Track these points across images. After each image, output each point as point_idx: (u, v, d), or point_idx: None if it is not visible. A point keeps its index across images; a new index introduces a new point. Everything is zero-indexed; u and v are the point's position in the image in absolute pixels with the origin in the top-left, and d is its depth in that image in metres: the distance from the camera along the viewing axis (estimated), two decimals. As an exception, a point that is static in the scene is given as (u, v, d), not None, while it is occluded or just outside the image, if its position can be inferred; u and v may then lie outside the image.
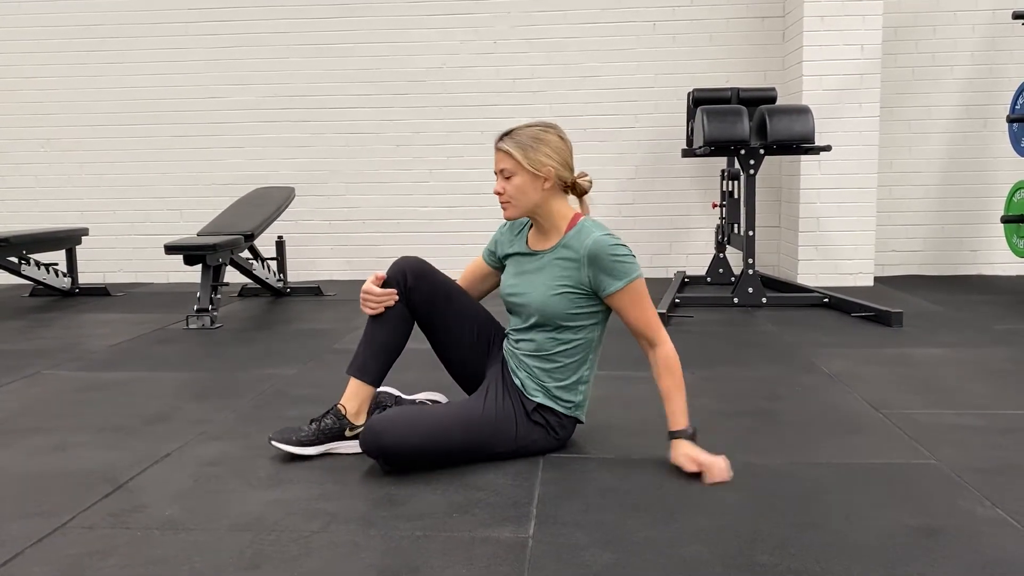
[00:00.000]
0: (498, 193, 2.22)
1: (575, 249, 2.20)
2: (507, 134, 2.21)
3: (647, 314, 2.20)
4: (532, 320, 2.26)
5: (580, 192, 2.29)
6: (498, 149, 2.21)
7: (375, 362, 2.33)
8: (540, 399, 2.25)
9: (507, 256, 2.39)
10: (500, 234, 2.43)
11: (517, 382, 2.27)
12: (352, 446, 2.31)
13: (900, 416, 2.62)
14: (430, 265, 2.37)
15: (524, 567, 1.65)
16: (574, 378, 2.27)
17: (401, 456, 2.12)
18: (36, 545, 1.79)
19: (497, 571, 1.64)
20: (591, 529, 1.82)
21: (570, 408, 2.28)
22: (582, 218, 2.25)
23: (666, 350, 2.20)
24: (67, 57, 6.20)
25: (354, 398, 2.32)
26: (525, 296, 2.26)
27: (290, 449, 2.27)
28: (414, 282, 2.32)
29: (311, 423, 2.32)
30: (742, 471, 2.16)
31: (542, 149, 2.18)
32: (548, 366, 2.25)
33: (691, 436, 2.17)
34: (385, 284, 2.32)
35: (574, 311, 2.22)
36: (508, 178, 2.20)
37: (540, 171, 2.18)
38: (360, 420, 2.32)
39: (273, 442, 2.27)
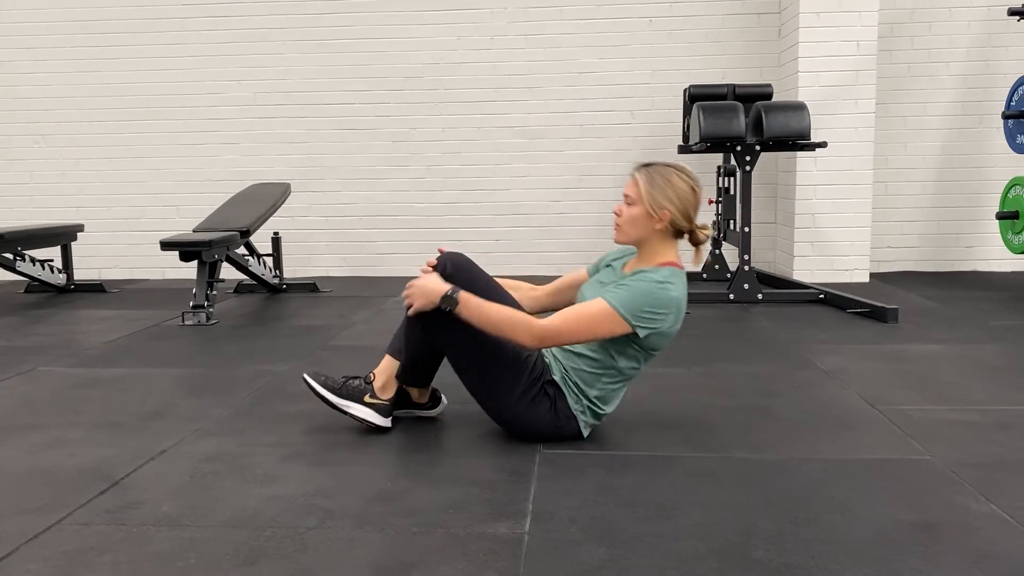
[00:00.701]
0: (615, 214, 2.31)
1: None
2: (645, 165, 2.31)
3: (575, 316, 2.20)
4: None
5: (695, 242, 2.35)
6: (632, 175, 2.30)
7: None
8: (557, 378, 2.34)
9: (605, 266, 2.49)
10: (612, 250, 2.54)
11: (546, 360, 2.38)
12: (364, 413, 2.46)
13: (895, 412, 2.63)
14: (474, 263, 2.47)
15: (520, 563, 1.66)
16: (585, 387, 2.33)
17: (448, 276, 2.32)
18: (32, 541, 1.79)
19: (493, 567, 1.64)
20: (587, 525, 1.83)
21: (577, 407, 2.34)
22: (674, 266, 2.29)
23: (540, 322, 2.20)
24: (63, 53, 6.18)
25: (383, 373, 2.49)
26: (583, 298, 2.39)
27: (315, 386, 2.46)
28: (452, 271, 2.43)
29: (343, 377, 2.51)
30: (738, 467, 2.17)
31: (668, 193, 2.25)
32: (571, 364, 2.34)
33: (449, 296, 2.23)
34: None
35: None
36: (629, 204, 2.29)
37: (657, 212, 2.25)
38: (385, 395, 2.47)
39: (305, 375, 2.48)
